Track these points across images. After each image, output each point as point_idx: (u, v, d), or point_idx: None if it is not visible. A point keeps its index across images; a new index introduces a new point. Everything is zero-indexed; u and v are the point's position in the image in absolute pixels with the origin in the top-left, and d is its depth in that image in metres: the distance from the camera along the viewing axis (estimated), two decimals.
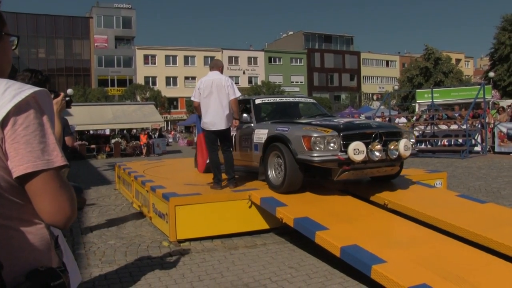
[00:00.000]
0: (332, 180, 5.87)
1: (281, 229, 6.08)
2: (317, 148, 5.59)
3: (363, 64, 77.76)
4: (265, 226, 6.15)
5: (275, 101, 8.07)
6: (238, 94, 6.63)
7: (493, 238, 4.51)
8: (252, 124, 7.05)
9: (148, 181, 7.51)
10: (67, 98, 3.00)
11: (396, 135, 6.07)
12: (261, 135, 6.67)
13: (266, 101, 7.86)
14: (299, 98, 8.91)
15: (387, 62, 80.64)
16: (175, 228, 5.79)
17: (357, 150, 5.47)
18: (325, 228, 4.71)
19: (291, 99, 8.33)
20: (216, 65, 6.77)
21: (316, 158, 5.55)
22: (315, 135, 5.61)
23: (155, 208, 6.67)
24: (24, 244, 1.28)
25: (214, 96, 6.51)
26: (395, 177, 6.70)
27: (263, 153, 6.45)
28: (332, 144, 5.61)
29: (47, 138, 1.24)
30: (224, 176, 6.77)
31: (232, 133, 7.14)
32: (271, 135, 6.31)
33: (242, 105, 7.87)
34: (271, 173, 6.29)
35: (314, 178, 6.18)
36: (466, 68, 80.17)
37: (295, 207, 5.50)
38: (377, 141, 5.75)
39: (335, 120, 6.46)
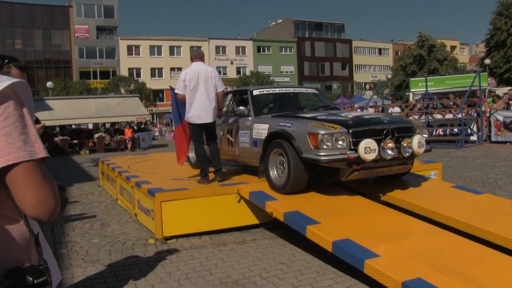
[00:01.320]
0: (340, 180, 5.64)
1: (271, 224, 6.08)
2: (325, 147, 5.26)
3: (355, 53, 77.87)
4: (255, 221, 6.14)
5: (274, 91, 7.74)
6: (224, 86, 6.66)
7: (489, 229, 4.54)
8: (250, 118, 6.80)
9: (133, 176, 7.47)
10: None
11: (409, 130, 5.79)
12: (261, 130, 6.39)
13: (265, 92, 7.54)
14: (300, 89, 8.56)
15: (379, 50, 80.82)
16: (161, 225, 5.77)
17: (368, 148, 5.18)
18: (316, 222, 4.71)
19: (291, 90, 8.06)
20: (199, 55, 6.74)
21: (324, 158, 5.23)
22: (323, 132, 5.28)
23: (141, 204, 6.64)
24: (2, 242, 1.26)
25: (201, 88, 6.46)
26: (404, 175, 6.51)
27: (264, 150, 6.15)
28: (340, 142, 5.28)
29: (28, 130, 1.23)
30: (211, 168, 6.76)
31: (229, 127, 7.10)
32: (273, 131, 6.02)
33: (239, 96, 7.80)
34: (273, 173, 6.00)
35: (320, 177, 5.95)
36: (461, 55, 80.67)
37: (285, 201, 5.49)
38: (389, 137, 5.46)
39: (343, 115, 6.11)
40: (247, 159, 6.89)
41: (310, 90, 8.38)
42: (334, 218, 4.97)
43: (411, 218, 5.11)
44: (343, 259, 4.12)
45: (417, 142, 5.59)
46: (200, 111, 6.48)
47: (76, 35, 59.60)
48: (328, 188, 6.03)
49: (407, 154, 5.56)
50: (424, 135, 5.89)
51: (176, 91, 6.82)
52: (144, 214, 6.47)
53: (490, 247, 4.24)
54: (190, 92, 6.49)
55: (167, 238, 5.80)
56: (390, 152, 5.42)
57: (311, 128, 5.42)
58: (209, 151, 6.75)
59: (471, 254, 4.08)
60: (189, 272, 4.63)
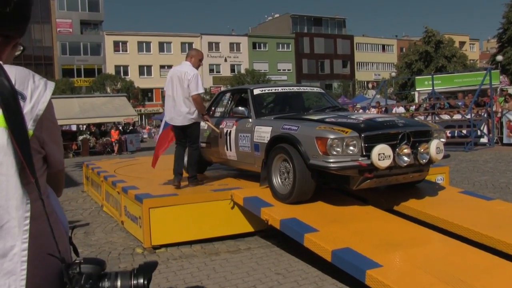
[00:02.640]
0: (350, 189, 5.57)
1: (266, 232, 6.08)
2: (334, 152, 5.10)
3: (356, 49, 78.09)
4: (249, 228, 6.14)
5: (277, 91, 7.64)
6: (200, 90, 6.54)
7: (500, 238, 4.55)
8: (251, 119, 6.67)
9: (120, 181, 7.47)
10: None
11: (425, 134, 5.66)
12: (263, 133, 6.25)
13: (266, 91, 7.43)
14: (305, 88, 8.46)
15: (383, 46, 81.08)
16: (149, 233, 5.77)
17: (382, 155, 5.04)
18: (314, 230, 4.71)
19: (295, 89, 7.98)
20: (188, 55, 6.82)
21: (333, 165, 5.08)
22: (332, 136, 5.12)
23: (128, 211, 6.63)
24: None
25: (170, 89, 6.60)
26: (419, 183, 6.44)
27: (266, 155, 6.02)
28: (352, 148, 5.14)
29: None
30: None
31: (227, 129, 7.04)
32: (276, 135, 5.89)
33: (237, 95, 7.79)
34: (276, 180, 5.86)
35: (328, 186, 5.87)
36: (471, 52, 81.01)
37: (282, 207, 5.50)
38: (404, 142, 5.33)
39: (353, 117, 5.91)
40: (248, 165, 6.78)
41: (315, 89, 8.27)
42: (334, 225, 4.98)
43: (416, 225, 5.11)
44: (343, 269, 4.12)
45: (435, 147, 5.45)
46: (171, 113, 6.63)
47: (58, 29, 59.48)
48: (327, 194, 6.01)
49: (424, 160, 5.41)
50: (442, 140, 5.74)
51: (165, 88, 6.95)
52: (131, 222, 6.46)
53: (501, 257, 4.25)
54: (167, 91, 6.72)
55: (155, 247, 5.80)
56: (406, 158, 5.26)
57: (319, 132, 5.29)
58: (187, 155, 6.86)
59: (481, 264, 4.09)
60: (179, 284, 4.63)
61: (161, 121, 8.43)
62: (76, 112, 25.53)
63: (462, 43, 76.55)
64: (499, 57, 34.16)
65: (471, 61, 61.77)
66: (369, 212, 5.54)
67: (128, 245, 6.09)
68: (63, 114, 25.00)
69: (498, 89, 21.82)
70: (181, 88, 6.50)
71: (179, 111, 6.53)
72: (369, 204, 5.85)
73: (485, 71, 19.05)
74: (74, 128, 30.49)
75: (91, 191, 10.10)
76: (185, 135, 6.72)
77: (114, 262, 5.41)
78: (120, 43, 62.71)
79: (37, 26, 58.45)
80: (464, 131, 17.40)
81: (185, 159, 6.98)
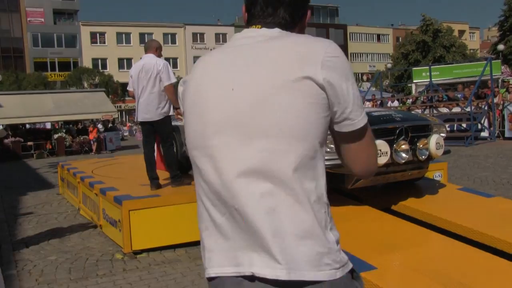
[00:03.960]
0: (345, 188, 5.56)
1: None
2: (328, 149, 5.01)
3: (350, 39, 78.31)
4: None
5: None
6: (173, 79, 6.58)
7: (501, 237, 4.57)
8: None
9: (98, 182, 7.45)
10: None
11: (425, 129, 5.63)
12: None
13: None
14: None
15: (378, 36, 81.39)
16: (130, 237, 5.76)
17: (379, 151, 5.00)
18: None
19: None
20: (150, 47, 6.76)
21: (327, 162, 5.13)
22: None
23: (106, 214, 6.62)
24: None
25: (142, 82, 6.54)
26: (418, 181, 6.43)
27: None
28: None
29: None
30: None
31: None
32: None
33: None
34: None
35: None
36: (471, 41, 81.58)
37: None
38: (402, 138, 5.31)
39: None
40: None
41: None
42: None
43: (413, 225, 5.13)
44: None
45: (434, 142, 5.42)
46: (142, 108, 6.60)
47: (28, 19, 59.00)
48: None
49: (423, 157, 5.41)
50: (442, 134, 5.73)
51: (128, 88, 6.98)
52: (110, 226, 6.44)
53: (502, 257, 4.28)
54: (134, 87, 6.66)
55: (136, 253, 5.79)
56: (404, 155, 5.26)
57: None
58: (163, 156, 6.84)
59: (481, 265, 4.11)
60: None
61: None
62: (50, 108, 25.34)
63: (461, 32, 77.05)
64: (501, 46, 34.43)
65: (471, 51, 62.13)
66: (364, 212, 5.55)
67: (107, 250, 6.07)
68: (36, 111, 24.87)
69: (500, 80, 21.98)
70: (150, 81, 6.47)
71: (153, 104, 6.51)
72: (365, 203, 5.87)
73: (486, 61, 19.18)
74: (48, 126, 30.32)
75: (67, 194, 10.05)
76: (157, 132, 6.72)
77: (92, 269, 5.39)
78: (98, 34, 62.44)
79: (4, 15, 57.90)
80: (464, 125, 17.52)
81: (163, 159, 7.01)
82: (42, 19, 59.83)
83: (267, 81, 1.35)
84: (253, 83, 1.37)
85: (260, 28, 1.50)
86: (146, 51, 6.73)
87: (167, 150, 6.78)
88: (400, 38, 68.19)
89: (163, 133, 6.73)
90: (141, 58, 6.77)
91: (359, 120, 1.45)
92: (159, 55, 6.71)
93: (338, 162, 4.98)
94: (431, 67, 21.10)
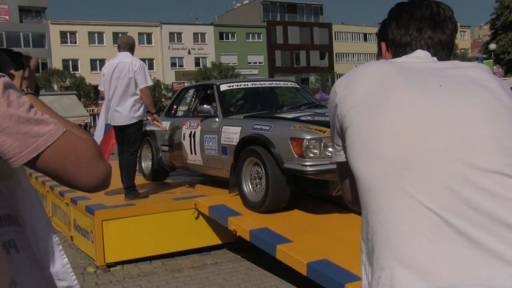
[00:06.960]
0: (329, 195, 5.59)
1: (235, 244, 6.12)
2: (311, 155, 5.12)
3: (335, 39, 78.77)
4: (216, 241, 6.18)
5: (246, 86, 7.64)
6: (149, 82, 6.48)
7: None
8: (218, 119, 6.63)
9: (68, 191, 7.38)
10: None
11: None
12: (231, 134, 6.22)
13: (234, 86, 7.43)
14: (277, 82, 8.52)
15: (364, 35, 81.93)
16: (103, 249, 5.74)
17: None
18: (288, 241, 4.76)
19: (266, 84, 8.08)
20: (127, 45, 6.61)
21: (310, 168, 5.11)
22: (308, 137, 5.14)
23: (77, 225, 6.59)
24: None
25: (114, 83, 6.39)
26: None
27: (235, 159, 6.01)
28: (331, 149, 5.02)
29: None
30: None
31: (191, 130, 7.00)
32: (246, 136, 5.86)
33: (202, 92, 7.78)
34: (247, 187, 5.87)
35: (304, 192, 5.92)
36: (462, 40, 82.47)
37: (252, 216, 5.54)
38: None
39: None
40: (215, 170, 6.77)
41: (289, 84, 8.38)
42: (310, 235, 5.03)
43: None
44: (320, 283, 4.17)
45: None
46: (112, 111, 6.46)
47: None
48: (301, 200, 6.06)
49: None
50: None
51: (99, 87, 6.90)
52: (81, 237, 6.43)
53: None
54: (105, 88, 6.54)
55: (110, 265, 5.78)
56: None
57: (293, 132, 5.31)
58: (123, 161, 6.58)
59: None
60: None
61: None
62: None
63: None
64: (492, 46, 34.74)
65: (462, 50, 62.96)
66: (349, 219, 5.59)
67: (79, 263, 6.04)
68: None
69: None
70: (124, 82, 6.33)
71: (124, 107, 6.36)
72: (348, 211, 5.92)
73: (477, 61, 19.43)
74: None
75: None
76: (125, 137, 6.54)
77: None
78: (68, 34, 61.97)
79: None
80: None
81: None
82: (7, 17, 59.15)
83: None
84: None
85: None
86: (120, 48, 6.57)
87: (130, 157, 6.54)
88: None
89: (130, 139, 6.51)
90: (116, 55, 6.60)
91: None
92: (133, 54, 6.57)
93: (323, 168, 5.03)
94: None
